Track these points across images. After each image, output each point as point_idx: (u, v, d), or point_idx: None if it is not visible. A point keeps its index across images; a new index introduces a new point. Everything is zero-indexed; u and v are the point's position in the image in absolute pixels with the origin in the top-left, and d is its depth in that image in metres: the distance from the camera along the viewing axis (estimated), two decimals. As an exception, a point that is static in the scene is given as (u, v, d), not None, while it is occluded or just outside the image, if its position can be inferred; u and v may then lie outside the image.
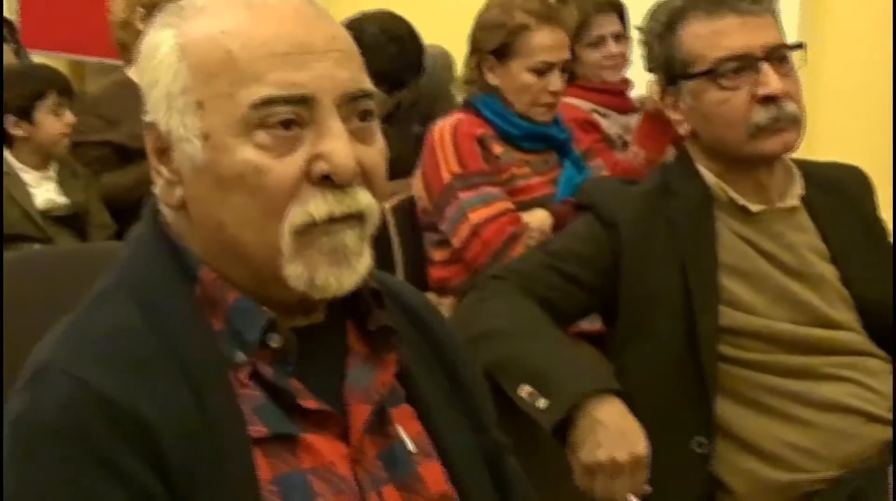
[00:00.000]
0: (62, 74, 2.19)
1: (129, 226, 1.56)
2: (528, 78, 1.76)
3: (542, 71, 1.76)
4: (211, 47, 0.75)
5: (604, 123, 2.08)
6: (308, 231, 0.74)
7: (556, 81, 1.76)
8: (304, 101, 0.73)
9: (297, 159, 0.73)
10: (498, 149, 1.78)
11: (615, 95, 2.13)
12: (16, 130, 2.04)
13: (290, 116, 0.73)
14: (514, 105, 1.80)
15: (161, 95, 0.76)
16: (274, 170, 0.73)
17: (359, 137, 0.75)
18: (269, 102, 0.72)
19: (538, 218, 1.81)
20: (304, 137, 0.74)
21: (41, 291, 1.24)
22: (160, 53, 0.76)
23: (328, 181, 0.73)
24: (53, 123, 2.05)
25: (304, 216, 0.73)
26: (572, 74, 1.99)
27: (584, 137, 2.01)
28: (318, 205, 0.73)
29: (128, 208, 1.96)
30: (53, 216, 2.04)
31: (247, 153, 0.73)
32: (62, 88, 2.07)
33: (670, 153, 1.89)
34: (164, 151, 0.78)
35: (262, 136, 0.73)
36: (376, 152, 0.77)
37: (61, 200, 2.06)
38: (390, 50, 2.14)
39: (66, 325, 0.77)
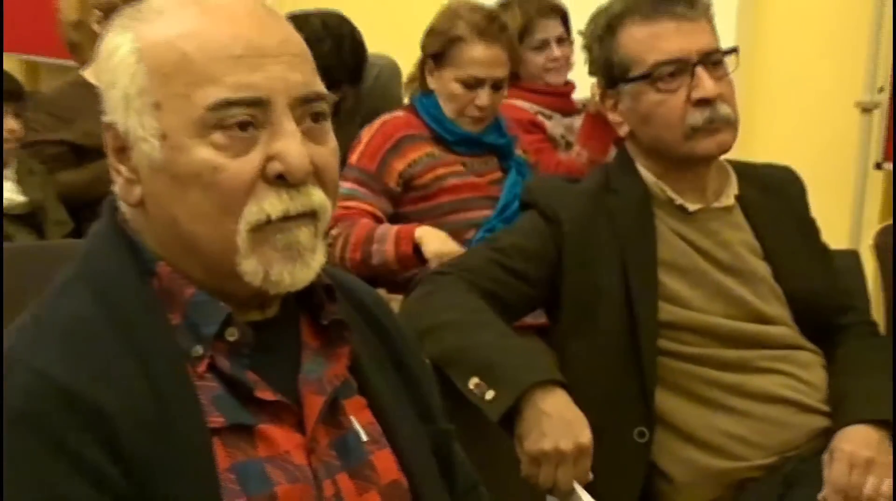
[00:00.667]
0: (9, 76, 2.17)
1: (85, 223, 1.57)
2: (457, 88, 1.83)
3: (470, 84, 1.82)
4: (168, 50, 0.78)
5: (548, 124, 2.19)
6: (263, 229, 0.77)
7: (483, 96, 1.82)
8: (258, 103, 0.76)
9: (253, 159, 0.76)
10: (426, 149, 1.84)
11: (559, 97, 2.22)
12: None
13: (246, 117, 0.76)
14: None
15: (119, 96, 0.79)
16: (230, 169, 0.76)
17: (312, 137, 0.78)
18: (225, 104, 0.75)
19: (434, 241, 1.80)
20: (259, 138, 0.76)
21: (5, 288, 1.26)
22: (118, 56, 0.79)
23: (282, 180, 0.76)
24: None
25: (259, 214, 0.76)
26: (517, 76, 2.06)
27: (529, 138, 2.11)
28: (272, 203, 0.76)
29: (84, 206, 2.02)
30: (11, 215, 2.08)
31: (203, 153, 0.76)
32: (8, 90, 2.07)
33: (612, 153, 1.99)
34: (122, 151, 0.80)
35: (218, 136, 0.76)
36: (329, 152, 0.80)
37: (19, 198, 2.09)
38: (326, 45, 2.17)
39: (26, 317, 0.79)
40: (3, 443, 0.73)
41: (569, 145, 2.21)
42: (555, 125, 2.18)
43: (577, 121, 2.20)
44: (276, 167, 0.76)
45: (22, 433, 0.73)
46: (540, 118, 2.17)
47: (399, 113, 1.95)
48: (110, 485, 0.74)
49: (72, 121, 2.15)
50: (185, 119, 0.77)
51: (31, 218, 2.11)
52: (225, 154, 0.77)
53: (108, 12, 2.00)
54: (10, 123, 2.07)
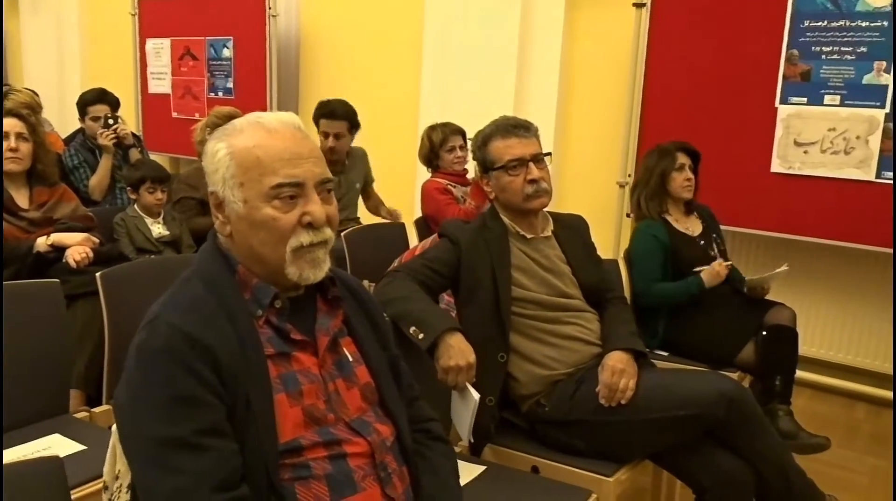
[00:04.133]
0: (159, 167, 3.13)
1: None
2: None
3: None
4: (247, 153, 1.14)
5: (454, 190, 3.28)
6: (299, 251, 1.14)
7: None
8: (298, 185, 1.14)
9: (295, 214, 1.14)
10: None
11: (460, 177, 3.37)
12: (132, 194, 2.99)
13: (291, 192, 1.14)
14: None
15: (219, 177, 1.16)
16: (282, 220, 1.14)
17: (325, 201, 1.17)
18: (280, 185, 1.13)
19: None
20: (298, 203, 1.14)
21: (156, 279, 1.97)
22: (218, 155, 1.16)
23: (310, 226, 1.15)
24: (147, 197, 2.98)
25: (297, 243, 1.14)
26: (438, 166, 3.25)
27: (443, 198, 3.10)
28: (304, 238, 1.14)
29: (204, 239, 2.81)
30: (162, 241, 2.96)
31: (268, 211, 1.13)
32: (156, 177, 2.97)
33: (486, 205, 2.85)
34: (220, 206, 1.18)
35: (276, 202, 1.13)
36: (333, 209, 1.19)
37: (166, 232, 2.99)
38: None
39: (166, 294, 1.17)
40: (151, 366, 1.06)
41: (465, 200, 3.23)
42: (458, 191, 3.23)
43: (468, 188, 3.25)
44: (307, 219, 1.14)
45: (163, 359, 1.06)
46: (450, 187, 3.19)
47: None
48: (213, 388, 1.06)
49: (198, 188, 3.11)
50: (257, 192, 1.13)
51: (173, 244, 3.01)
52: (279, 212, 1.13)
53: (215, 128, 2.92)
54: (159, 194, 2.97)
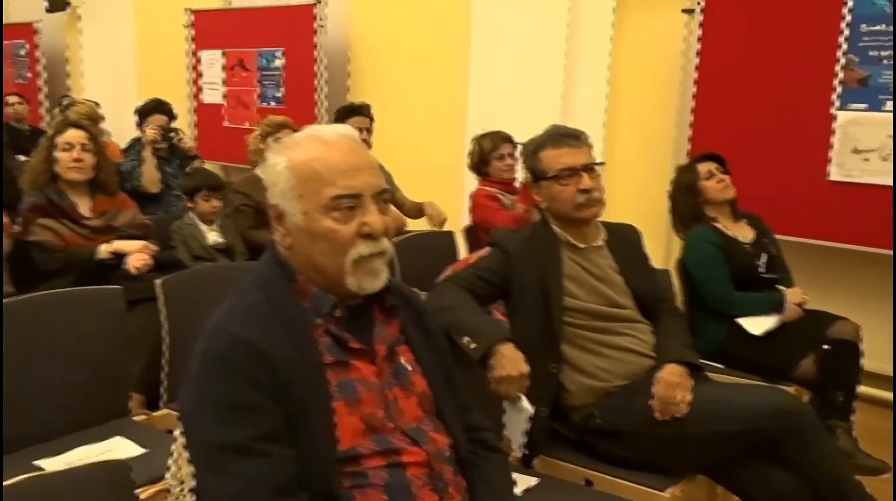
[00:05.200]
0: (214, 176, 3.22)
1: (256, 256, 2.44)
2: None
3: None
4: (306, 166, 1.16)
5: (502, 198, 3.27)
6: (358, 261, 1.16)
7: None
8: (356, 196, 1.16)
9: (353, 225, 1.16)
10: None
11: (508, 185, 3.36)
12: (187, 203, 3.04)
13: (350, 204, 1.15)
14: None
15: (279, 190, 1.19)
16: (341, 231, 1.15)
17: (382, 212, 1.19)
18: (338, 197, 1.15)
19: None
20: (356, 214, 1.16)
21: (212, 286, 2.02)
22: (278, 168, 1.19)
23: (369, 236, 1.16)
24: (203, 205, 3.04)
25: (356, 254, 1.16)
26: (487, 173, 3.23)
27: (492, 204, 3.09)
28: (363, 248, 1.16)
29: (255, 248, 2.97)
30: (217, 248, 3.01)
31: (327, 222, 1.15)
32: (211, 186, 3.04)
33: (534, 211, 2.88)
34: (280, 218, 1.20)
35: (335, 214, 1.15)
36: (390, 219, 1.21)
37: (220, 239, 3.03)
38: None
39: (227, 303, 1.19)
40: (212, 373, 1.08)
41: (513, 206, 3.24)
42: (506, 199, 3.25)
43: (517, 196, 3.26)
44: (366, 229, 1.16)
45: (224, 366, 1.08)
46: (499, 195, 3.24)
47: None
48: (271, 394, 1.08)
49: (251, 195, 3.18)
50: (317, 204, 1.15)
51: (227, 251, 3.05)
52: (338, 223, 1.15)
53: (267, 136, 3.00)
54: (214, 202, 3.02)
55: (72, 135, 2.86)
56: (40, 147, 2.94)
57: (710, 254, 2.67)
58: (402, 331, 1.27)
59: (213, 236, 3.17)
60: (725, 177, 2.81)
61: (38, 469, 1.80)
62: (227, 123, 5.73)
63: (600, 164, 2.04)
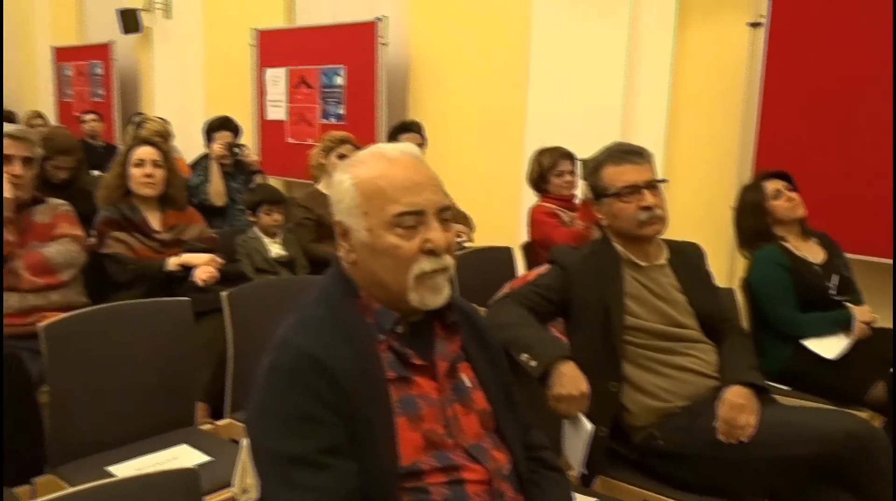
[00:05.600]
0: (276, 190, 3.33)
1: (317, 269, 2.50)
2: None
3: None
4: (370, 183, 1.18)
5: (561, 214, 3.27)
6: (421, 277, 1.17)
7: None
8: (419, 213, 1.17)
9: (417, 242, 1.17)
10: None
11: (568, 201, 3.34)
12: (250, 217, 3.14)
13: (413, 220, 1.17)
14: None
15: (344, 207, 1.21)
16: (404, 247, 1.17)
17: (444, 229, 1.20)
18: (402, 214, 1.16)
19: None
20: (419, 231, 1.17)
21: (276, 299, 2.08)
22: (344, 185, 1.21)
23: (432, 252, 1.17)
24: (265, 218, 3.12)
25: (419, 270, 1.17)
26: (546, 190, 3.19)
27: (551, 221, 3.05)
28: (426, 265, 1.17)
29: (316, 261, 3.03)
30: (279, 261, 3.08)
31: (391, 239, 1.17)
32: (272, 200, 3.13)
33: (593, 227, 2.84)
34: (345, 235, 1.22)
35: (398, 230, 1.16)
36: (452, 236, 1.21)
37: (283, 253, 3.10)
38: None
39: (293, 317, 1.20)
40: (277, 386, 1.11)
41: (572, 222, 3.21)
42: (566, 216, 3.22)
43: (576, 213, 3.23)
44: (428, 246, 1.17)
45: (289, 379, 1.11)
46: (558, 212, 3.21)
47: None
48: (335, 408, 1.09)
49: (313, 210, 3.26)
50: (381, 221, 1.16)
51: (289, 264, 3.12)
52: (402, 239, 1.16)
53: (329, 151, 3.08)
54: (276, 215, 3.09)
55: (144, 152, 2.97)
56: (114, 163, 3.07)
57: (776, 274, 2.61)
58: (462, 348, 1.28)
59: (275, 249, 3.24)
60: (794, 195, 2.74)
61: (109, 474, 1.88)
62: (289, 139, 5.87)
63: (663, 181, 2.03)
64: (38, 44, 8.98)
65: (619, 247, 2.03)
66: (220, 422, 2.34)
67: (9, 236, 2.45)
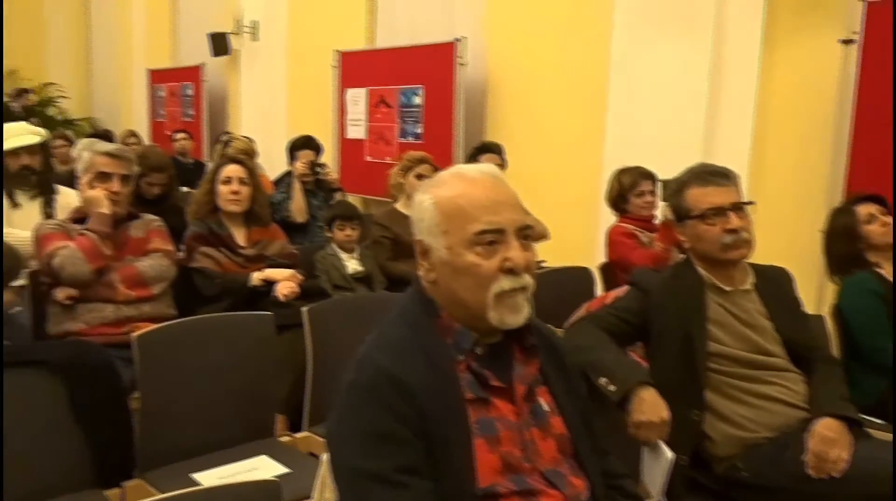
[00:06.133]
0: (350, 206, 3.40)
1: (393, 286, 2.52)
2: None
3: None
4: (450, 203, 1.20)
5: (640, 236, 3.20)
6: (501, 296, 1.17)
7: None
8: (499, 231, 1.18)
9: (496, 260, 1.18)
10: None
11: (647, 222, 3.28)
12: (327, 233, 3.21)
13: (493, 238, 1.18)
14: None
15: (425, 226, 1.22)
16: (484, 266, 1.18)
17: (524, 248, 1.20)
18: (482, 232, 1.18)
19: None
20: (499, 249, 1.18)
21: (354, 315, 2.12)
22: (424, 205, 1.23)
23: (511, 271, 1.18)
24: (338, 233, 3.18)
25: (498, 289, 1.17)
26: (625, 210, 3.15)
27: (630, 242, 3.01)
28: (506, 283, 1.17)
29: (392, 278, 3.07)
30: (356, 278, 3.14)
31: (471, 257, 1.18)
32: (345, 215, 3.20)
33: (673, 249, 2.84)
34: (425, 254, 1.23)
35: (478, 249, 1.17)
36: (532, 255, 1.21)
37: (360, 268, 3.17)
38: None
39: (373, 335, 1.23)
40: (358, 403, 1.13)
41: (651, 244, 3.16)
42: (644, 237, 3.17)
43: (655, 235, 3.16)
44: (508, 264, 1.17)
45: (369, 397, 1.13)
46: (637, 233, 3.16)
47: None
48: (411, 425, 1.11)
49: (389, 228, 3.32)
50: (461, 239, 1.18)
51: (366, 280, 3.18)
52: (482, 258, 1.17)
53: (407, 171, 3.14)
54: (349, 231, 3.15)
55: (232, 169, 3.08)
56: (204, 180, 3.20)
57: (869, 302, 2.50)
58: (540, 371, 1.27)
59: (352, 266, 3.30)
60: (889, 219, 2.61)
61: (193, 482, 1.94)
62: (368, 158, 5.98)
63: (750, 203, 1.96)
64: (134, 67, 9.47)
65: (702, 271, 1.98)
66: (299, 435, 2.39)
67: (106, 250, 2.58)
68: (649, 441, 1.70)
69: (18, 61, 10.95)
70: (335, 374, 2.32)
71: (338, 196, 4.33)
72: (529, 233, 1.22)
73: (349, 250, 3.35)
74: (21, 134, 3.26)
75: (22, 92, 9.33)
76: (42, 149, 3.30)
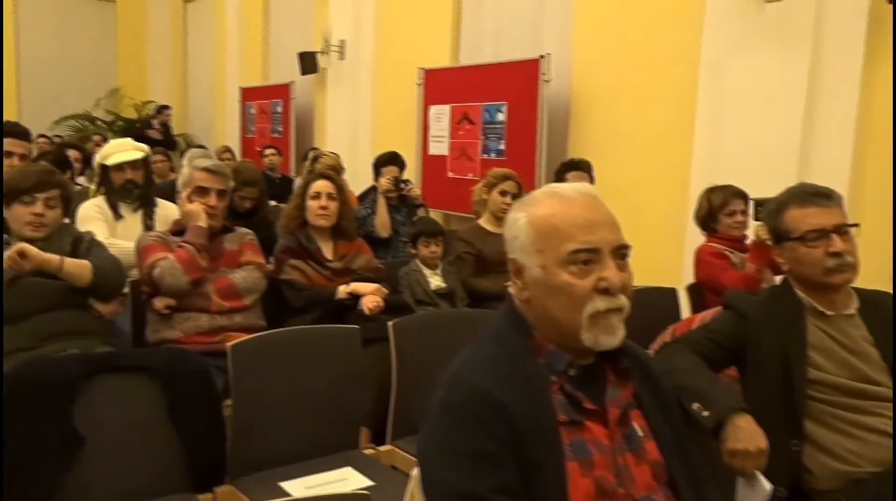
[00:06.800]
0: (434, 222, 3.47)
1: (476, 303, 2.53)
2: None
3: None
4: (545, 221, 1.20)
5: (731, 256, 3.11)
6: (595, 317, 1.16)
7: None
8: (595, 250, 1.17)
9: (591, 280, 1.16)
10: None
11: (738, 243, 3.18)
12: (411, 249, 3.27)
13: (588, 257, 1.16)
14: None
15: (518, 245, 1.22)
16: (579, 285, 1.16)
17: (620, 268, 1.18)
18: (577, 251, 1.16)
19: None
20: (594, 269, 1.16)
21: (440, 331, 2.14)
22: (519, 224, 1.23)
23: (606, 291, 1.16)
24: (423, 250, 3.24)
25: (593, 309, 1.16)
26: (715, 229, 3.05)
27: (720, 263, 2.89)
28: (600, 303, 1.16)
29: (475, 294, 3.11)
30: (439, 293, 3.19)
31: (565, 277, 1.16)
32: (429, 231, 3.25)
33: (765, 270, 2.81)
34: (519, 272, 1.22)
35: (573, 268, 1.16)
36: (628, 277, 1.19)
37: (443, 284, 3.21)
38: None
39: (465, 353, 1.21)
40: (452, 421, 1.12)
41: (742, 265, 3.05)
42: (735, 257, 3.06)
43: (746, 255, 3.06)
44: (603, 285, 1.16)
45: (463, 415, 1.12)
46: (727, 253, 3.06)
47: None
48: (508, 447, 1.09)
49: (473, 244, 3.37)
50: (555, 258, 1.17)
51: (448, 296, 3.21)
52: (576, 277, 1.16)
53: (491, 188, 3.18)
54: (433, 247, 3.20)
55: (321, 185, 3.17)
56: (294, 195, 3.30)
57: None
58: (634, 395, 1.25)
59: (435, 282, 3.33)
60: None
61: (282, 490, 1.99)
62: (450, 174, 6.03)
63: (854, 225, 1.89)
64: (228, 85, 9.87)
65: (801, 294, 1.92)
66: (382, 448, 2.41)
67: (202, 261, 2.68)
68: (745, 472, 1.64)
69: (122, 80, 11.62)
70: (419, 388, 2.37)
71: (421, 212, 4.38)
72: (626, 253, 1.21)
73: (433, 267, 3.38)
74: (126, 150, 3.43)
75: (162, 108, 9.86)
76: (144, 164, 3.45)
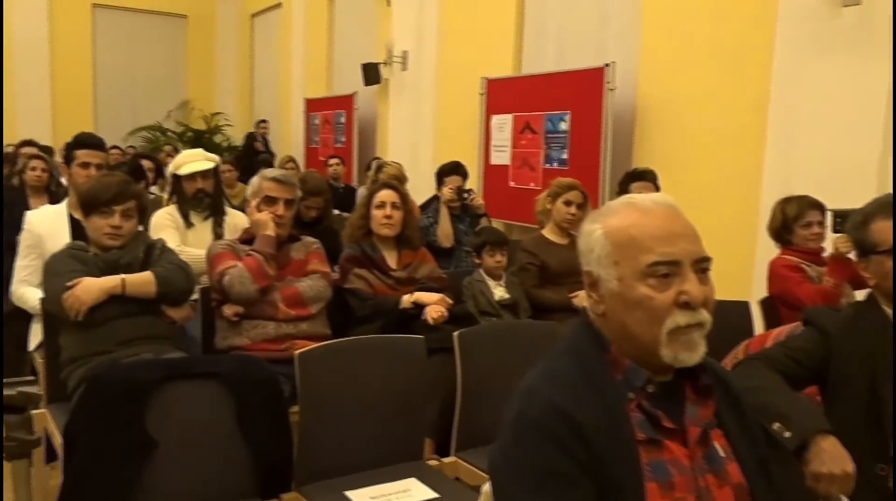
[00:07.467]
0: (499, 232, 3.46)
1: (539, 314, 2.49)
2: None
3: None
4: (622, 233, 1.16)
5: (808, 270, 2.99)
6: (675, 332, 1.11)
7: None
8: (675, 263, 1.12)
9: (671, 294, 1.12)
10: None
11: (814, 255, 3.06)
12: (475, 259, 3.27)
13: (667, 271, 1.12)
14: None
15: (594, 257, 1.18)
16: (657, 299, 1.11)
17: (701, 281, 1.13)
18: (656, 263, 1.12)
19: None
20: (674, 282, 1.12)
21: (504, 342, 2.12)
22: (594, 235, 1.19)
23: (687, 306, 1.11)
24: (488, 260, 3.23)
25: (673, 324, 1.11)
26: (790, 241, 2.97)
27: (796, 276, 2.78)
28: (681, 318, 1.11)
29: (538, 306, 3.14)
30: (502, 304, 3.17)
31: (643, 290, 1.12)
32: (495, 241, 3.24)
33: (845, 284, 2.73)
34: (594, 285, 1.19)
35: (651, 281, 1.12)
36: (710, 291, 1.14)
37: (507, 295, 3.20)
38: None
39: (539, 367, 1.18)
40: (526, 437, 1.09)
41: (820, 280, 2.94)
42: (812, 271, 2.94)
43: (824, 269, 2.95)
44: (683, 298, 1.11)
45: (537, 431, 1.09)
46: (803, 266, 2.93)
47: None
48: (584, 466, 1.06)
49: (536, 255, 3.35)
50: (633, 271, 1.13)
51: (511, 307, 3.19)
52: (655, 291, 1.11)
53: (556, 197, 3.16)
54: (498, 257, 3.19)
55: (385, 194, 3.18)
56: (358, 205, 3.32)
57: None
58: (715, 414, 1.21)
59: (499, 292, 3.31)
60: None
61: (346, 499, 1.98)
62: (512, 184, 6.01)
63: (950, 238, 1.79)
64: (293, 96, 10.08)
65: (889, 311, 1.84)
66: (446, 459, 2.39)
67: (270, 270, 2.72)
68: (830, 497, 1.56)
69: (192, 93, 12.00)
70: (483, 399, 2.35)
71: (483, 222, 4.37)
72: (707, 266, 1.16)
73: (497, 277, 3.36)
74: (197, 160, 3.52)
75: (260, 122, 10.19)
76: (214, 173, 3.54)
